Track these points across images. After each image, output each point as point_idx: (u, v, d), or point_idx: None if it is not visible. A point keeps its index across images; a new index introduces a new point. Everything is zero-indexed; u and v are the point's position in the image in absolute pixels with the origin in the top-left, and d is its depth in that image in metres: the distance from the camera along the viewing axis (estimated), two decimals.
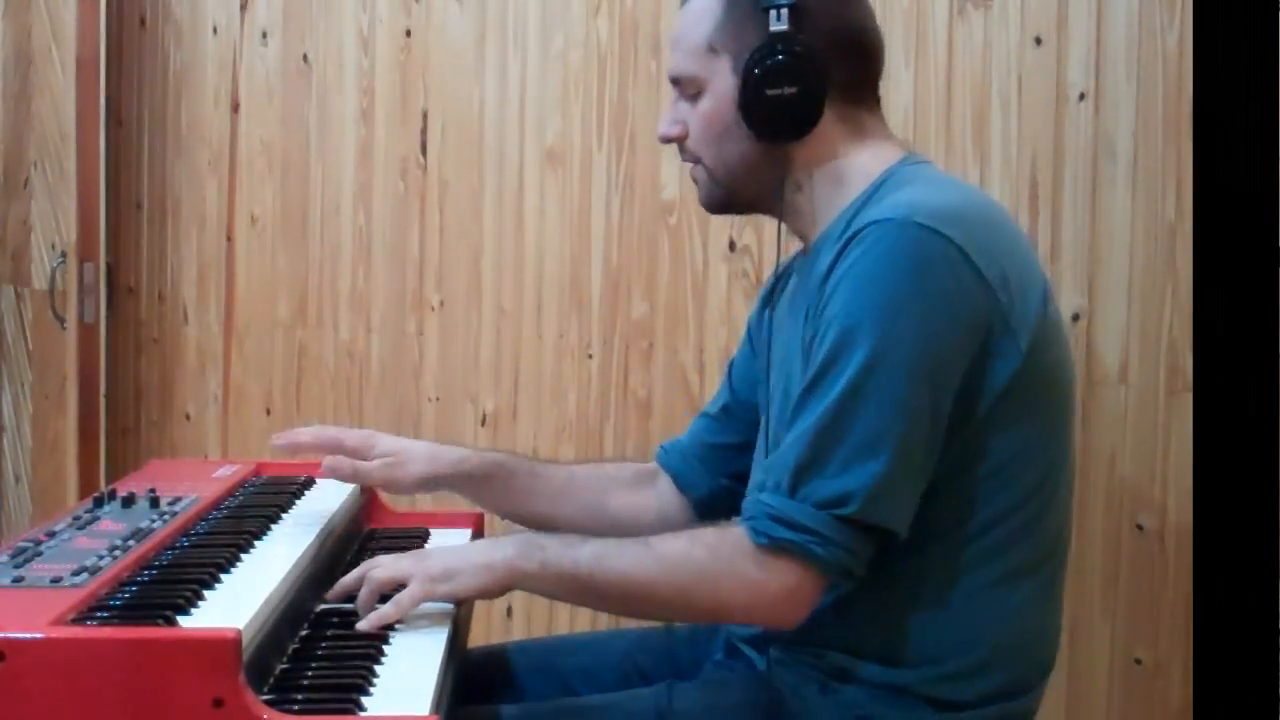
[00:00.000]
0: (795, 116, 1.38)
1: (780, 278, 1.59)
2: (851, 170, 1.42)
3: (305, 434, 1.65)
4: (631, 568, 1.34)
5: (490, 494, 1.67)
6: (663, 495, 1.67)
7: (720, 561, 1.31)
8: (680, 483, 1.65)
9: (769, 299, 1.60)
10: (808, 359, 1.34)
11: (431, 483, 1.66)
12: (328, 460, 1.61)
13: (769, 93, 1.36)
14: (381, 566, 1.39)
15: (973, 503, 1.33)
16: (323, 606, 1.43)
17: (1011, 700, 1.37)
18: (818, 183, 1.43)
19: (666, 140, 1.48)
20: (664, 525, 1.59)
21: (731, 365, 1.68)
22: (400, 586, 1.36)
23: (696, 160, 1.47)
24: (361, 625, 1.34)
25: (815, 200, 1.44)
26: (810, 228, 1.45)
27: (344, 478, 1.63)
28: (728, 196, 1.47)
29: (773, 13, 1.36)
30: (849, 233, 1.31)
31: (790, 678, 1.38)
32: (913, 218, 1.28)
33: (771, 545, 1.28)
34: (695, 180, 1.49)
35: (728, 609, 1.36)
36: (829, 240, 1.38)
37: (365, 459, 1.63)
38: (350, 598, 1.40)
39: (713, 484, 1.64)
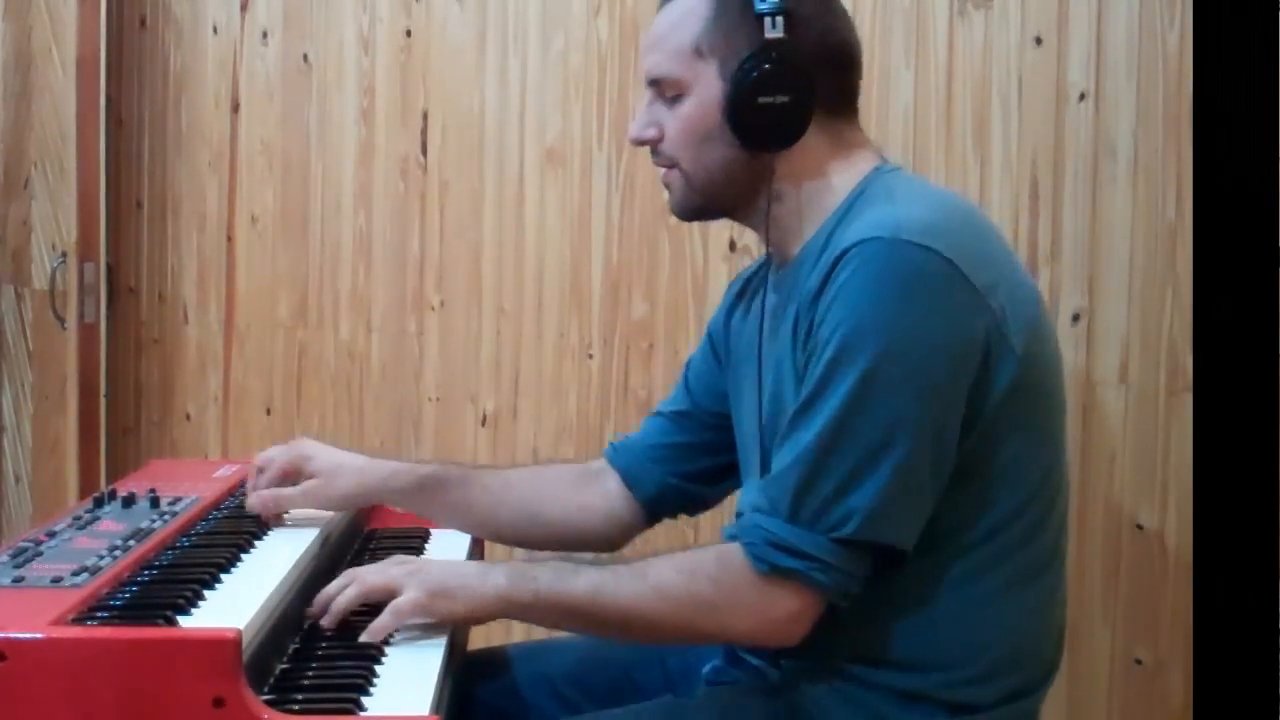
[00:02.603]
0: (783, 126, 1.36)
1: (746, 288, 1.58)
2: (830, 183, 1.40)
3: (260, 480, 1.62)
4: (631, 602, 1.33)
5: (426, 506, 1.65)
6: (610, 494, 1.64)
7: (723, 592, 1.30)
8: (629, 481, 1.63)
9: (733, 307, 1.58)
10: (800, 380, 1.32)
11: (360, 498, 1.64)
12: (250, 501, 1.58)
13: (760, 101, 1.34)
14: (370, 572, 1.37)
15: (979, 509, 1.32)
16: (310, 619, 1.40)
17: (1022, 700, 1.37)
18: (796, 195, 1.41)
19: (639, 143, 1.45)
20: (611, 524, 1.62)
21: (689, 366, 1.65)
22: (390, 595, 1.34)
23: (672, 165, 1.43)
24: (364, 637, 1.31)
25: (794, 213, 1.41)
26: (789, 240, 1.43)
27: (270, 513, 1.59)
28: (703, 203, 1.45)
29: (768, 20, 1.34)
30: (833, 252, 1.29)
31: (803, 684, 1.37)
32: (899, 234, 1.26)
33: (773, 573, 1.28)
34: (667, 185, 1.45)
35: (731, 635, 1.37)
36: (809, 256, 1.37)
37: (299, 478, 1.61)
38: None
39: (662, 483, 1.62)
